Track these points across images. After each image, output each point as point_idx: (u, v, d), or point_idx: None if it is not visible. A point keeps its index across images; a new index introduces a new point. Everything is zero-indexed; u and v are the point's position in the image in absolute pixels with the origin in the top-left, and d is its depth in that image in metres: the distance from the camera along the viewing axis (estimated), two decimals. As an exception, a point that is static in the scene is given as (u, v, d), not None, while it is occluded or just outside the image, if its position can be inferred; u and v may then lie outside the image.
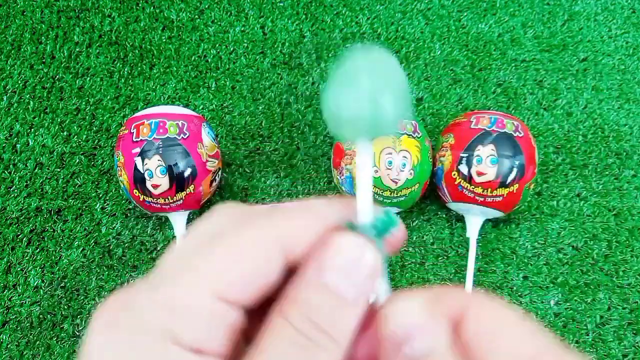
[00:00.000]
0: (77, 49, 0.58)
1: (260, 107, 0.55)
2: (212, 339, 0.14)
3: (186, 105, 0.55)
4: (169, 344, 0.13)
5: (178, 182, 0.43)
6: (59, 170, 0.52)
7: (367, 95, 0.15)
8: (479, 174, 0.44)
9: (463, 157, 0.45)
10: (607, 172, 0.53)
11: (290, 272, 0.16)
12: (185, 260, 0.15)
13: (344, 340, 0.15)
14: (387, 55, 0.16)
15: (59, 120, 0.54)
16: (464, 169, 0.45)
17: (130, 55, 0.57)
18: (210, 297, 0.14)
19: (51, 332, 0.47)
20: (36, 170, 0.52)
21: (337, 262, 0.15)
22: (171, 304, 0.14)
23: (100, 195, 0.51)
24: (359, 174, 0.17)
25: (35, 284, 0.48)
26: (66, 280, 0.48)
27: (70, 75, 0.56)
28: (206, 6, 0.60)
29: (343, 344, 0.15)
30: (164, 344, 0.13)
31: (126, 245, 0.50)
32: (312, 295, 0.15)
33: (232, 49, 0.58)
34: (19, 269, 0.49)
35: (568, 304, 0.48)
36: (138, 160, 0.43)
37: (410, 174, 0.44)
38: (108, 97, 0.55)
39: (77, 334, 0.47)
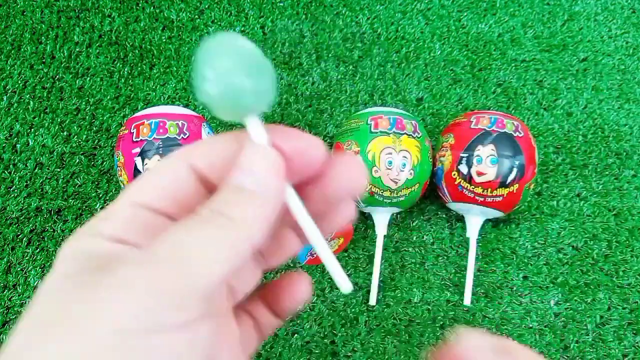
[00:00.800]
0: (77, 49, 0.58)
1: (260, 107, 0.55)
2: (130, 233, 0.17)
3: (186, 105, 0.55)
4: (96, 237, 0.17)
5: (178, 182, 0.43)
6: (59, 170, 0.52)
7: (224, 69, 0.17)
8: (479, 174, 0.44)
9: (463, 157, 0.45)
10: (607, 172, 0.52)
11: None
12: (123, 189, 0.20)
13: (245, 222, 0.17)
14: (238, 36, 0.18)
15: (59, 120, 0.54)
16: (464, 169, 0.45)
17: (130, 55, 0.57)
18: (128, 205, 0.18)
19: (51, 332, 0.47)
20: (36, 170, 0.52)
21: (241, 164, 0.18)
22: (105, 214, 0.18)
23: (100, 195, 0.51)
24: (252, 141, 0.19)
25: (35, 284, 0.48)
26: (66, 280, 0.48)
27: (70, 75, 0.56)
28: (206, 6, 0.60)
29: (244, 225, 0.17)
30: (91, 237, 0.17)
31: (126, 245, 0.50)
32: (221, 194, 0.18)
33: (232, 49, 0.58)
34: (19, 269, 0.49)
35: (568, 304, 0.48)
36: (138, 160, 0.43)
37: (410, 174, 0.44)
38: (108, 97, 0.55)
39: (77, 334, 0.47)
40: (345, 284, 0.19)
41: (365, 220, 0.51)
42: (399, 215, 0.51)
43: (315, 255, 0.44)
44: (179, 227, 0.17)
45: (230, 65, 0.17)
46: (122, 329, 0.14)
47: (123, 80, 0.56)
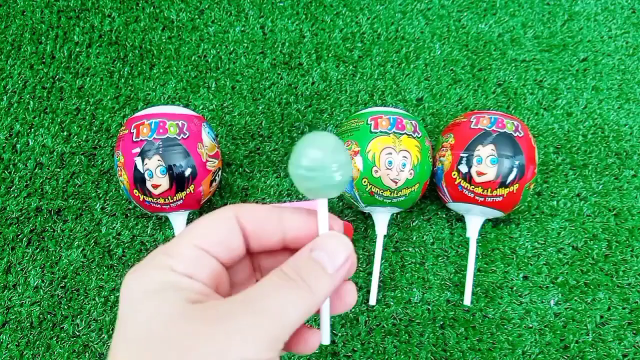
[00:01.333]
0: (77, 49, 0.58)
1: (260, 107, 0.55)
2: (197, 271, 0.21)
3: (186, 105, 0.55)
4: (169, 271, 0.21)
5: (178, 182, 0.43)
6: (59, 170, 0.52)
7: (318, 163, 0.22)
8: (479, 174, 0.44)
9: (463, 157, 0.45)
10: (607, 172, 0.52)
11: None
12: (181, 232, 0.23)
13: (318, 294, 0.21)
14: (329, 134, 0.23)
15: (59, 120, 0.54)
16: (463, 169, 0.45)
17: (130, 55, 0.57)
18: (193, 247, 0.22)
19: (51, 332, 0.47)
20: (36, 170, 0.52)
21: (327, 246, 0.22)
22: (169, 252, 0.22)
23: (100, 195, 0.51)
24: (319, 222, 0.23)
25: (35, 284, 0.48)
26: (66, 280, 0.48)
27: (70, 75, 0.56)
28: (206, 6, 0.60)
29: (317, 296, 0.21)
30: (166, 272, 0.21)
31: (126, 245, 0.50)
32: (302, 260, 0.22)
33: (232, 49, 0.58)
34: (19, 269, 0.49)
35: (568, 304, 0.48)
36: (138, 160, 0.43)
37: (410, 174, 0.44)
38: (108, 97, 0.55)
39: (77, 334, 0.47)
40: (326, 338, 0.24)
41: (365, 220, 0.51)
42: (399, 215, 0.51)
43: None
44: (271, 282, 0.21)
45: (331, 154, 0.22)
46: None
47: (123, 80, 0.56)
